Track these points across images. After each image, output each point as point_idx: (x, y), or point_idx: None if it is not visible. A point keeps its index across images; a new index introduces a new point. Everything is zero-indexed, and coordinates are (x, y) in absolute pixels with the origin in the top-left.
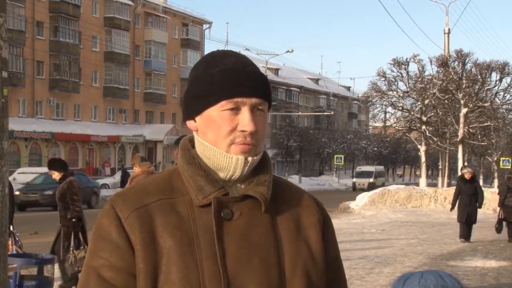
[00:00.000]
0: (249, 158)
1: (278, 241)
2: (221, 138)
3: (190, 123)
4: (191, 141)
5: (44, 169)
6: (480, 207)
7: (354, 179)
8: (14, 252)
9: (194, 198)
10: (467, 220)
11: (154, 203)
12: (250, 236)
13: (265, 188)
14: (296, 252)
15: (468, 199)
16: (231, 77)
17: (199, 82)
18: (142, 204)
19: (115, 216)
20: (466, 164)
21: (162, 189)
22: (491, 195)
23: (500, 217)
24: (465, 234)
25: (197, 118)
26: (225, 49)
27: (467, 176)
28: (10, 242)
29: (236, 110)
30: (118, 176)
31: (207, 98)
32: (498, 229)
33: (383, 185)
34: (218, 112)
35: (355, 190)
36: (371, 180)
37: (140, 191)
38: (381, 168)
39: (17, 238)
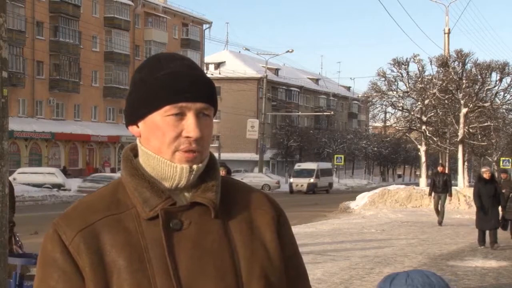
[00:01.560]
0: (194, 166)
1: (232, 245)
2: (165, 145)
3: (132, 129)
4: (133, 150)
5: (45, 169)
6: (504, 209)
7: (291, 179)
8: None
9: (141, 211)
10: (494, 226)
11: (99, 221)
12: (202, 244)
13: (213, 193)
14: (252, 255)
15: (489, 202)
16: (175, 81)
17: (143, 85)
18: (87, 224)
19: (59, 240)
20: (467, 163)
21: (107, 205)
22: None
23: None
24: (483, 239)
25: (140, 124)
26: (170, 52)
27: (486, 175)
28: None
29: (181, 115)
30: (117, 176)
31: (151, 102)
32: (504, 226)
33: (330, 186)
34: (162, 118)
35: (292, 193)
36: (312, 180)
37: (84, 209)
38: (327, 165)
39: (17, 238)
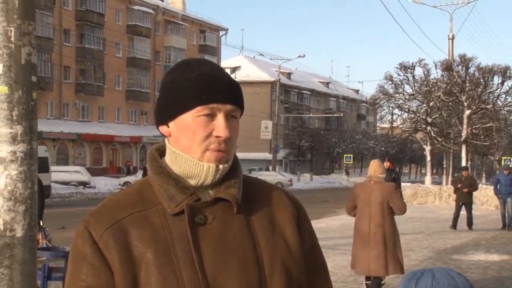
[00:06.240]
0: (220, 166)
1: (254, 240)
2: (196, 144)
3: (162, 129)
4: (158, 150)
5: (72, 168)
6: None
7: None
8: (44, 245)
9: (167, 207)
10: None
11: (126, 217)
12: (225, 238)
13: (236, 189)
14: (273, 249)
15: None
16: (207, 83)
17: (174, 87)
18: (115, 221)
19: (89, 236)
20: (468, 164)
21: (134, 202)
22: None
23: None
24: None
25: (171, 124)
26: (199, 57)
27: None
28: (40, 236)
29: (211, 116)
30: (139, 175)
31: (182, 103)
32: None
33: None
34: (193, 118)
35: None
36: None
37: (112, 207)
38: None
39: (46, 233)
